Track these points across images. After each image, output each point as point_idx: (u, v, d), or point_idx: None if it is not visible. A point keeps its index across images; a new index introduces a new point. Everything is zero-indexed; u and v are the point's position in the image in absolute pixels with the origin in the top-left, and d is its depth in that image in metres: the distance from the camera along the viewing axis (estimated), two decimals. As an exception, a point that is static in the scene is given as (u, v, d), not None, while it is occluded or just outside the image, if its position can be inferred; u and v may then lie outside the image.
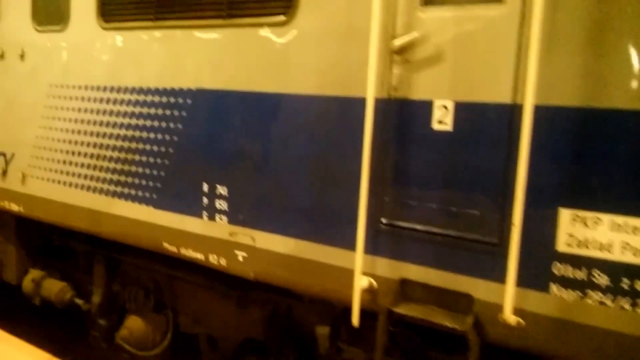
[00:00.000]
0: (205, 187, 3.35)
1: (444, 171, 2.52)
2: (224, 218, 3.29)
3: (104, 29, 3.80)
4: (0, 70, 4.53)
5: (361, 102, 2.69)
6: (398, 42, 2.57)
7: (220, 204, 3.30)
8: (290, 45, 2.97)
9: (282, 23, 2.98)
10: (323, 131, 2.87)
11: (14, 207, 4.55)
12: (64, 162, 4.11)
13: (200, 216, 3.39)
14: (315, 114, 2.89)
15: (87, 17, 3.88)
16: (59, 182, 4.17)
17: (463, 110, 2.44)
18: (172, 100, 3.48)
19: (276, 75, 3.03)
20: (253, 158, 3.14)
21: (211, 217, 3.35)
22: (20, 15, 4.32)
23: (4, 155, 4.58)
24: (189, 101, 3.40)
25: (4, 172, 4.59)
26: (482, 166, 2.41)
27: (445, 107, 2.49)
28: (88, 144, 3.94)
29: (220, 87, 3.26)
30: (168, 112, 3.49)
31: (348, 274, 2.77)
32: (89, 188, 3.96)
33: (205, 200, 3.37)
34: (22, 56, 4.34)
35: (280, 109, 3.03)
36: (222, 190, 3.29)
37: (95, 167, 3.91)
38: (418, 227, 2.60)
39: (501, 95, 2.35)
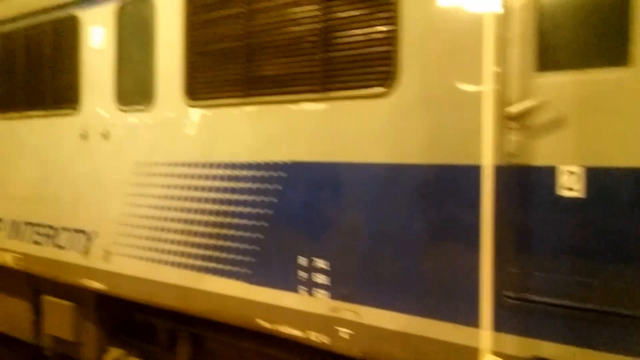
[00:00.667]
0: (303, 261, 3.28)
1: (576, 240, 2.38)
2: (324, 293, 3.19)
3: (191, 106, 3.88)
4: (84, 150, 4.65)
5: (475, 169, 2.62)
6: (515, 109, 2.51)
7: (319, 278, 3.21)
8: (392, 115, 2.94)
9: (381, 94, 2.98)
10: (434, 200, 2.79)
11: (96, 285, 4.55)
12: (150, 238, 4.11)
13: (298, 291, 3.30)
14: (424, 183, 2.82)
15: (173, 95, 3.98)
16: (144, 258, 4.16)
17: (596, 176, 2.33)
18: (264, 174, 3.47)
19: (378, 145, 2.99)
20: (356, 230, 3.07)
21: (310, 292, 3.25)
22: (103, 97, 4.47)
23: (86, 233, 4.63)
24: (283, 174, 3.39)
25: (87, 250, 4.62)
26: (623, 233, 2.27)
27: (573, 173, 2.39)
28: (175, 220, 3.95)
29: (317, 160, 3.24)
30: (260, 186, 3.48)
31: (471, 352, 2.60)
32: (176, 264, 3.94)
33: (302, 274, 3.28)
34: (105, 136, 4.46)
35: (385, 178, 2.97)
36: (321, 263, 3.20)
37: (183, 243, 3.90)
38: (550, 300, 2.44)
39: (637, 159, 2.25)
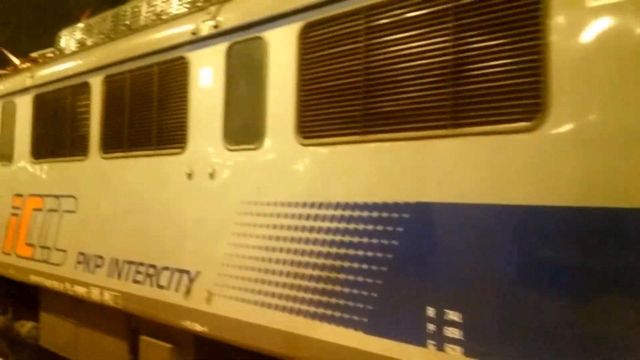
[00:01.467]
0: (431, 312, 2.99)
1: None
2: (458, 349, 2.88)
3: (303, 144, 3.76)
4: (189, 189, 4.64)
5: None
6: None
7: (451, 332, 2.91)
8: (539, 152, 2.66)
9: (526, 129, 2.71)
10: (594, 246, 2.45)
11: (198, 328, 4.43)
12: (256, 280, 3.96)
13: (425, 345, 3.00)
14: (581, 227, 2.50)
15: (284, 134, 3.88)
16: (249, 301, 4.01)
17: None
18: (385, 215, 3.25)
19: (520, 185, 2.71)
20: (494, 279, 2.76)
21: (439, 347, 2.94)
22: (211, 136, 4.46)
23: (188, 273, 4.57)
24: (406, 216, 3.15)
25: (188, 291, 4.54)
26: None
27: None
28: (285, 262, 3.78)
29: (447, 200, 2.99)
30: (380, 228, 3.26)
31: None
32: (285, 309, 3.75)
33: (430, 326, 2.99)
34: (212, 175, 4.42)
35: (528, 221, 2.67)
36: (453, 316, 2.91)
37: (293, 287, 3.71)
38: None
39: None
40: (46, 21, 14.06)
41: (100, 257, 5.54)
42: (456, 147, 2.99)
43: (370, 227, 3.31)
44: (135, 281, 5.10)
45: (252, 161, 4.12)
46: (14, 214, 7.02)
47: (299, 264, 3.69)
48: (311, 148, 3.73)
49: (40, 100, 6.69)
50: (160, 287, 4.84)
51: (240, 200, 4.17)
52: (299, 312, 3.66)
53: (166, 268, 4.79)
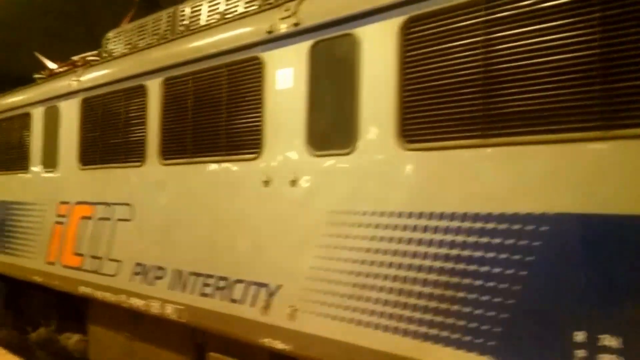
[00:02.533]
0: (581, 337, 2.68)
1: None
2: (616, 378, 2.57)
3: (407, 149, 3.46)
4: (264, 197, 4.35)
5: None
6: None
7: None
8: None
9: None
10: None
11: (279, 345, 4.14)
12: (352, 296, 3.66)
13: (573, 372, 2.69)
14: None
15: (383, 138, 3.59)
16: (342, 319, 3.71)
17: None
18: (514, 227, 2.95)
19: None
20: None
21: (591, 375, 2.63)
22: (292, 141, 4.18)
23: (267, 287, 4.27)
24: (542, 228, 2.85)
25: (267, 306, 4.25)
26: None
27: None
28: (387, 277, 3.48)
29: (595, 211, 2.68)
30: (511, 241, 2.95)
31: None
32: (389, 328, 3.44)
33: (580, 353, 2.67)
34: (293, 182, 4.13)
35: None
36: (610, 341, 2.59)
37: (398, 304, 3.41)
38: None
39: None
40: (73, 27, 13.88)
41: (161, 268, 5.26)
42: (606, 151, 2.68)
43: (497, 240, 3.00)
44: (203, 294, 4.81)
45: (343, 167, 3.82)
46: (59, 222, 6.76)
47: (405, 279, 3.39)
48: (417, 153, 3.43)
49: (88, 104, 6.43)
50: (232, 301, 4.55)
51: (328, 209, 3.88)
52: (406, 333, 3.36)
53: (239, 281, 4.50)
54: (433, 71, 3.37)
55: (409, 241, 3.39)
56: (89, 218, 6.25)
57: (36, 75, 8.79)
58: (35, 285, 7.27)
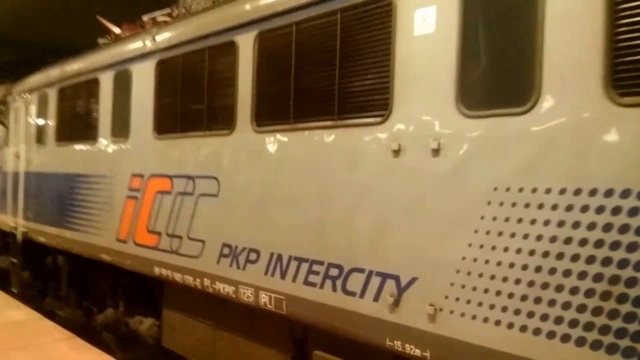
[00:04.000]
0: None
1: None
2: None
3: (624, 104, 2.59)
4: (394, 170, 3.57)
5: None
6: None
7: None
8: None
9: None
10: None
11: (412, 351, 3.39)
12: (528, 298, 2.86)
13: None
14: None
15: (586, 88, 2.72)
16: (512, 326, 2.92)
17: None
18: None
19: None
20: None
21: None
22: (433, 99, 3.37)
23: (396, 279, 3.52)
24: None
25: (396, 302, 3.50)
26: None
27: None
28: (583, 275, 2.66)
29: None
30: None
31: None
32: (588, 342, 2.63)
33: None
34: (436, 151, 3.33)
35: None
36: None
37: (596, 311, 2.59)
38: None
39: None
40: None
41: (254, 251, 4.57)
42: None
43: None
44: (309, 283, 4.10)
45: (515, 131, 2.99)
46: (131, 197, 6.16)
47: (614, 280, 2.56)
48: (638, 110, 2.56)
49: (165, 66, 5.76)
50: (348, 293, 3.82)
51: (491, 185, 3.06)
52: (611, 349, 2.54)
53: (358, 270, 3.76)
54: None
55: (624, 229, 2.55)
56: (166, 192, 5.62)
57: (100, 40, 8.24)
58: (102, 263, 6.75)
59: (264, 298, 4.47)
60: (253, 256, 4.59)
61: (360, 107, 3.83)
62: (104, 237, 6.62)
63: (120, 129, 6.43)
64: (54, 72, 8.33)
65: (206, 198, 5.10)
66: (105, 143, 6.74)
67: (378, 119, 3.69)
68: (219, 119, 5.04)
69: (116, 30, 8.39)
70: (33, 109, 8.91)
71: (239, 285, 4.70)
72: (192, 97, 5.35)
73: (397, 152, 3.57)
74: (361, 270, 3.74)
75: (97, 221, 6.82)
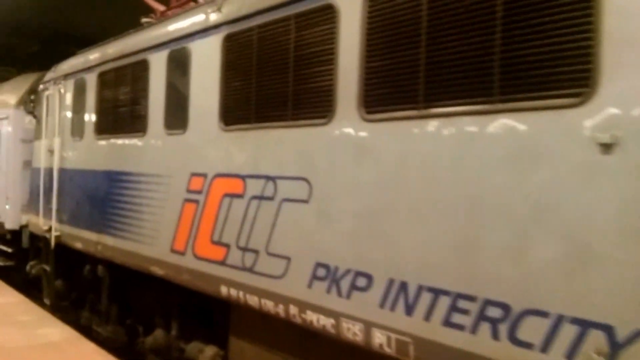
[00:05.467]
0: None
1: None
2: None
3: None
4: (599, 172, 2.48)
5: None
6: None
7: None
8: None
9: None
10: None
11: None
12: None
13: None
14: None
15: None
16: None
17: None
18: None
19: None
20: None
21: None
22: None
23: (607, 329, 2.42)
24: None
25: (612, 364, 2.40)
26: None
27: None
28: None
29: None
30: None
31: None
32: None
33: None
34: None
35: None
36: None
37: None
38: None
39: None
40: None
41: (365, 275, 3.51)
42: None
43: None
44: (450, 324, 3.03)
45: None
46: (191, 200, 5.15)
47: None
48: None
49: (235, 41, 4.73)
50: (519, 343, 2.73)
51: None
52: None
53: (537, 312, 2.67)
54: None
55: None
56: (237, 196, 4.59)
57: (144, 19, 7.27)
58: (150, 276, 5.77)
59: (379, 338, 3.41)
60: (362, 282, 3.53)
61: (539, 83, 2.73)
62: (155, 246, 5.63)
63: (176, 119, 5.42)
64: (92, 55, 7.39)
65: (292, 204, 4.06)
66: (157, 136, 5.75)
67: (569, 100, 2.59)
68: (310, 104, 3.99)
69: (160, 8, 7.46)
70: (68, 97, 7.97)
71: (340, 318, 3.65)
72: (273, 79, 4.31)
73: (609, 146, 2.47)
74: (544, 314, 2.65)
75: (147, 227, 5.83)
